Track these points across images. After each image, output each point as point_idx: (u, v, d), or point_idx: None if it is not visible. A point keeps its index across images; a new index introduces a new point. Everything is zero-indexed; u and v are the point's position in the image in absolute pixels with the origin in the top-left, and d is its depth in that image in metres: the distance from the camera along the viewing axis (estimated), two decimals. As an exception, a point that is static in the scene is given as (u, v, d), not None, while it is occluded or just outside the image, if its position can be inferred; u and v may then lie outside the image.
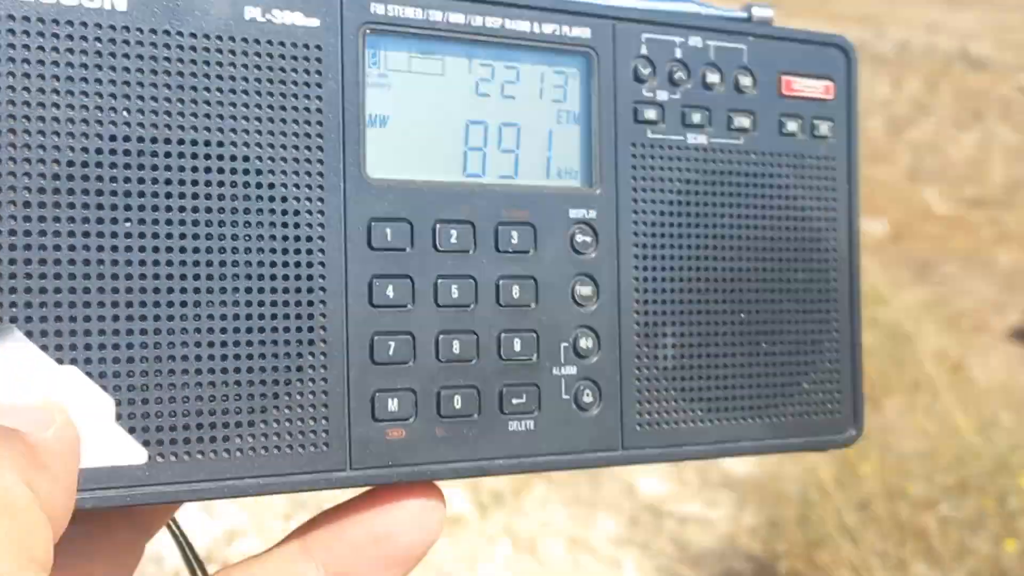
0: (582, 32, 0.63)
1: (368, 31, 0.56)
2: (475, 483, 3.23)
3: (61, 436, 0.44)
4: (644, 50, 0.65)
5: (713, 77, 0.67)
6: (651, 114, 0.64)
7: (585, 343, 0.61)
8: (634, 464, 0.63)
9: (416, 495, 0.55)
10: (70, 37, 0.48)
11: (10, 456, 0.42)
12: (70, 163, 0.47)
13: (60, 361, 0.47)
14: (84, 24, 0.48)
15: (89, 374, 0.47)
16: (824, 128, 0.70)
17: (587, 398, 0.61)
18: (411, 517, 0.55)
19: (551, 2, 0.62)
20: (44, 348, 0.47)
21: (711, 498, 3.52)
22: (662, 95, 0.65)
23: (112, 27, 0.48)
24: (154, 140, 0.49)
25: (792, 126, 0.69)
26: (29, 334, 0.46)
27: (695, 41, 0.67)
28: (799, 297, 0.68)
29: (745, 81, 0.68)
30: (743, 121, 0.68)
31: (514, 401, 0.59)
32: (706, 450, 0.65)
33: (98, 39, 0.48)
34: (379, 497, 0.55)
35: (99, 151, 0.48)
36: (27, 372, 0.46)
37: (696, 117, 0.66)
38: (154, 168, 0.49)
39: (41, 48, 0.47)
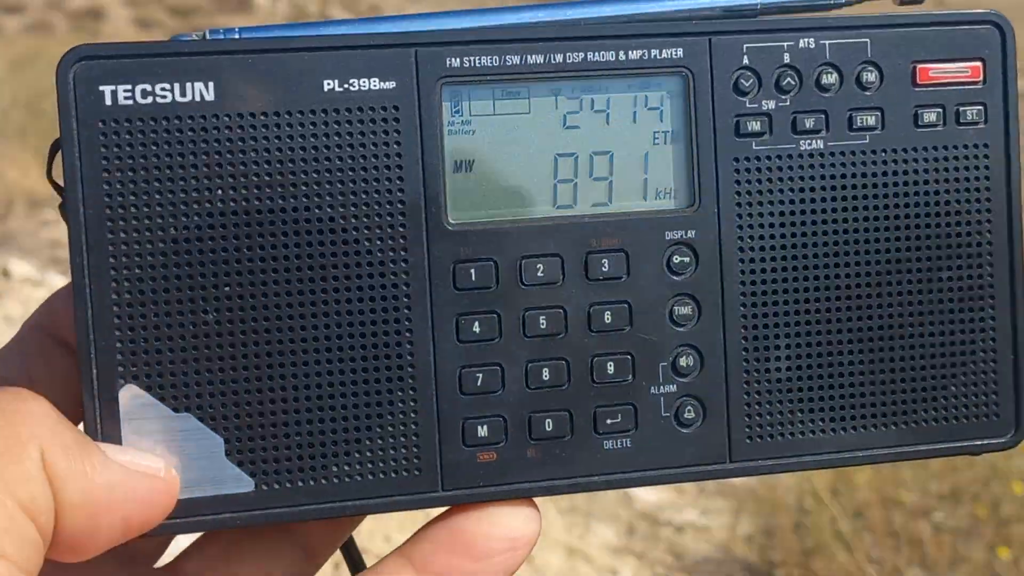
0: (673, 52, 0.60)
1: (445, 84, 0.57)
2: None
3: (141, 470, 0.50)
4: (746, 60, 0.60)
5: (830, 78, 0.61)
6: (755, 126, 0.60)
7: (685, 361, 0.60)
8: (745, 476, 0.61)
9: (507, 503, 0.57)
10: (167, 131, 0.54)
11: (53, 435, 0.46)
12: (174, 240, 0.53)
13: (176, 410, 0.54)
14: (179, 117, 0.54)
15: (201, 419, 0.54)
16: (972, 113, 0.63)
17: (689, 414, 0.60)
18: (502, 523, 0.56)
19: (635, 28, 0.59)
20: (161, 399, 0.53)
21: (707, 506, 3.54)
22: (768, 104, 0.61)
23: (203, 116, 0.54)
24: (247, 212, 0.54)
25: (931, 116, 0.63)
26: (148, 388, 0.53)
27: (807, 42, 0.61)
28: (944, 297, 0.62)
29: (869, 77, 0.62)
30: (868, 119, 0.62)
31: (608, 421, 0.58)
32: (830, 459, 0.61)
33: (192, 128, 0.54)
34: (472, 506, 0.56)
35: (198, 227, 0.54)
36: (147, 420, 0.53)
37: (809, 122, 0.61)
38: (248, 237, 0.54)
39: (143, 144, 0.53)
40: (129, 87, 0.53)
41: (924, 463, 3.37)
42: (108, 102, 0.53)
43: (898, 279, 0.61)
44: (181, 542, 0.61)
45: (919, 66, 0.63)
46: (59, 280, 4.86)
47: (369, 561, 0.57)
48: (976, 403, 0.63)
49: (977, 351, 0.63)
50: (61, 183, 0.54)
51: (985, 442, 0.63)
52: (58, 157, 0.54)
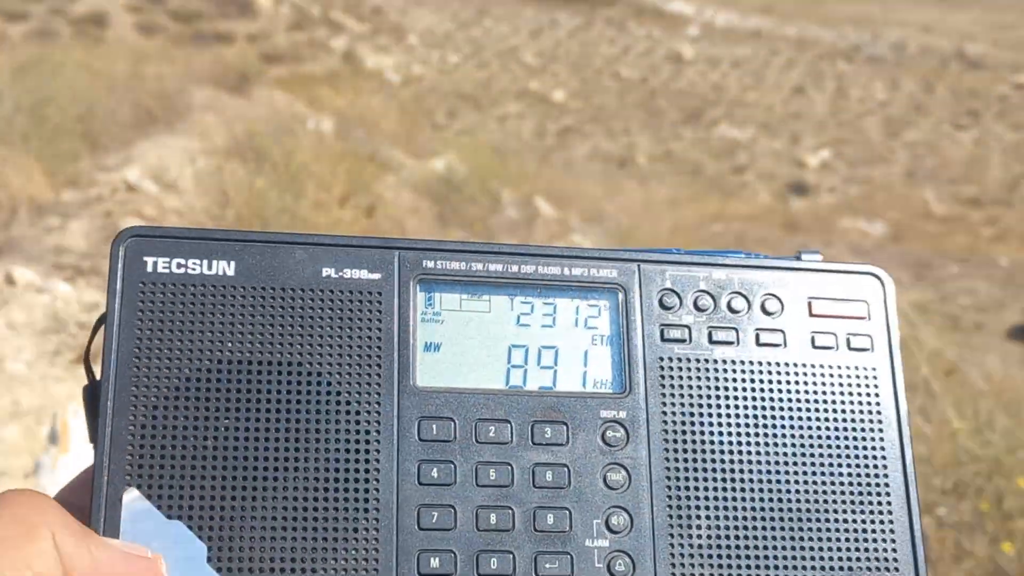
0: (609, 273, 0.73)
1: (421, 280, 0.69)
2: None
3: (132, 551, 0.59)
4: (668, 283, 0.73)
5: (739, 303, 0.73)
6: (677, 334, 0.72)
7: (617, 520, 0.68)
8: None
9: None
10: (193, 295, 0.66)
11: (62, 524, 0.56)
12: (187, 379, 0.65)
13: (168, 517, 0.63)
14: (203, 285, 0.67)
15: (189, 527, 0.63)
16: (860, 342, 0.74)
17: (620, 567, 0.67)
18: None
19: (578, 251, 0.73)
20: (158, 507, 0.63)
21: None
22: (688, 318, 0.72)
23: (223, 286, 0.67)
24: (250, 362, 0.66)
25: (825, 340, 0.74)
26: (148, 496, 0.63)
27: (719, 275, 0.74)
28: (845, 490, 0.70)
29: (772, 306, 0.74)
30: (772, 338, 0.73)
31: (548, 566, 0.66)
32: None
33: (213, 295, 0.67)
34: None
35: (208, 371, 0.65)
36: (143, 523, 0.62)
37: (722, 335, 0.72)
38: (248, 381, 0.65)
39: (172, 303, 0.66)
40: (167, 259, 0.67)
41: (927, 457, 3.36)
42: (149, 269, 0.67)
43: (803, 470, 0.70)
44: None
45: (813, 301, 0.75)
46: (62, 287, 4.87)
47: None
48: None
49: (879, 539, 0.70)
50: (94, 371, 0.66)
51: None
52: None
